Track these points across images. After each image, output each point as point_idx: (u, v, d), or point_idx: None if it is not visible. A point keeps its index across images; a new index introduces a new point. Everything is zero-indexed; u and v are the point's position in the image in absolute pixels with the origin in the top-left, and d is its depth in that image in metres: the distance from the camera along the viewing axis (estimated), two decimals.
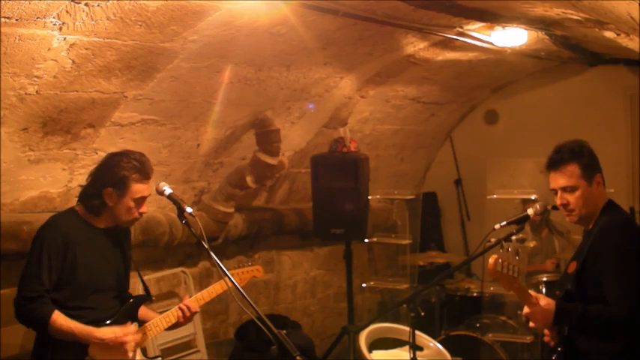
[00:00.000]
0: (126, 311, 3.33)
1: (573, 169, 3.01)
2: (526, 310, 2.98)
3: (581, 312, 2.88)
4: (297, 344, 2.95)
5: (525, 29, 4.88)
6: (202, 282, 5.48)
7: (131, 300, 3.39)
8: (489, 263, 2.82)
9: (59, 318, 3.07)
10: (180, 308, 3.40)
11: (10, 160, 3.82)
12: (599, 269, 2.88)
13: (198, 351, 5.15)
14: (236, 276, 3.62)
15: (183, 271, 5.22)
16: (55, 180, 4.17)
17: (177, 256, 5.26)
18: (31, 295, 3.08)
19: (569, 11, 4.20)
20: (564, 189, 3.03)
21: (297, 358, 2.74)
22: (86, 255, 3.20)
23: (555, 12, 4.35)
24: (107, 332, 3.16)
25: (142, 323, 3.39)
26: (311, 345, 5.55)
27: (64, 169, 4.17)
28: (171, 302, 5.17)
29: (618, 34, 4.46)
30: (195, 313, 3.47)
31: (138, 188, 3.22)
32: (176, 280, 5.25)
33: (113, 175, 3.20)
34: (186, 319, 3.42)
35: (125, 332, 3.20)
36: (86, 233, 3.23)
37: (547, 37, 5.14)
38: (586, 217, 3.04)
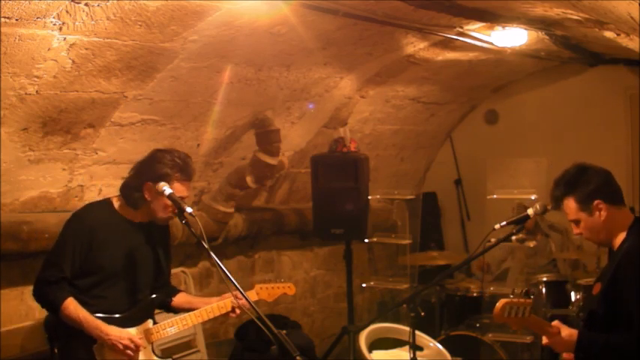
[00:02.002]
0: (139, 308, 3.35)
1: (569, 204, 2.95)
2: (545, 340, 2.92)
3: (604, 343, 2.80)
4: (297, 344, 2.95)
5: (525, 29, 4.88)
6: (202, 282, 5.48)
7: (151, 298, 3.41)
8: (496, 308, 2.82)
9: (70, 305, 3.14)
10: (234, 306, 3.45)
11: (10, 160, 3.82)
12: (624, 294, 2.79)
13: (198, 351, 5.15)
14: (265, 290, 3.63)
15: (183, 271, 5.22)
16: (55, 180, 4.17)
17: (177, 256, 5.25)
18: (50, 279, 3.16)
19: (569, 11, 4.20)
20: (572, 222, 2.99)
21: (297, 358, 2.74)
22: (111, 248, 3.24)
23: (555, 12, 4.35)
24: (114, 331, 3.17)
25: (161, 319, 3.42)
26: (311, 345, 5.55)
27: (64, 169, 4.17)
28: None
29: (618, 34, 4.45)
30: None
31: (177, 187, 3.24)
32: (176, 280, 5.25)
33: (156, 170, 3.24)
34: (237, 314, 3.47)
35: (122, 336, 3.19)
36: (116, 226, 3.28)
37: (547, 37, 5.14)
38: (604, 242, 2.98)
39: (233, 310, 3.47)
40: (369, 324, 4.97)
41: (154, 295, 3.45)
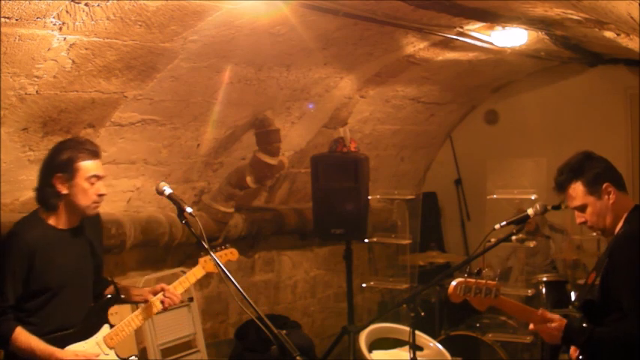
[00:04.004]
0: (92, 316, 3.25)
1: (577, 188, 2.93)
2: (532, 326, 2.95)
3: (588, 336, 2.81)
4: (297, 344, 2.95)
5: (525, 29, 4.88)
6: (202, 282, 5.48)
7: (98, 303, 3.31)
8: (450, 287, 2.92)
9: (20, 336, 2.97)
10: (163, 301, 3.39)
11: (10, 160, 3.82)
12: (616, 281, 2.80)
13: (198, 351, 5.15)
14: (210, 263, 3.52)
15: (183, 271, 5.18)
16: None
17: (177, 256, 5.25)
18: None
19: (569, 11, 4.20)
20: (576, 208, 2.96)
21: (297, 358, 2.74)
22: (53, 263, 3.09)
23: (555, 12, 4.35)
24: (69, 354, 3.07)
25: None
26: (311, 345, 5.55)
27: None
28: None
29: (618, 34, 4.45)
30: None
31: (86, 166, 3.11)
32: (176, 280, 5.24)
33: (58, 159, 3.10)
34: (171, 304, 3.43)
35: (87, 355, 3.13)
36: (51, 238, 3.11)
37: (547, 37, 5.14)
38: (609, 228, 2.93)
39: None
40: (369, 324, 4.97)
41: (97, 303, 3.33)
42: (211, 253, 3.05)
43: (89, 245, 3.29)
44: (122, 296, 3.42)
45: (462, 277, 2.96)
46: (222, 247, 3.73)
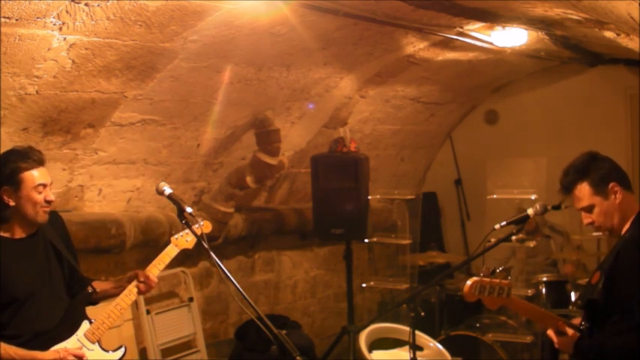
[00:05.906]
0: (69, 316, 3.23)
1: (583, 188, 2.90)
2: (551, 333, 2.93)
3: (598, 347, 2.80)
4: (297, 344, 2.95)
5: (525, 29, 4.88)
6: (202, 282, 5.48)
7: (72, 302, 3.28)
8: (465, 287, 2.90)
9: None
10: (138, 287, 3.31)
11: None
12: (623, 285, 2.77)
13: (198, 351, 5.15)
14: (182, 238, 3.48)
15: (183, 271, 5.22)
16: (55, 180, 4.14)
17: (177, 255, 5.20)
18: None
19: (569, 11, 4.21)
20: (583, 209, 2.94)
21: (297, 358, 2.74)
22: (11, 272, 3.08)
23: (555, 12, 4.35)
24: (50, 354, 3.06)
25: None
26: (311, 345, 5.55)
27: (64, 169, 4.17)
28: (171, 302, 5.18)
29: (618, 34, 4.46)
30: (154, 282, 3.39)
31: (31, 176, 3.08)
32: (176, 280, 5.25)
33: (2, 172, 3.08)
34: (148, 289, 3.38)
35: (69, 351, 3.11)
36: (7, 249, 3.10)
37: (547, 37, 5.14)
38: (617, 228, 2.91)
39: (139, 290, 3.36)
40: (369, 324, 4.97)
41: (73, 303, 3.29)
42: (211, 253, 3.03)
43: (52, 248, 3.25)
44: (97, 290, 3.39)
45: (477, 277, 2.93)
46: (199, 221, 3.64)
